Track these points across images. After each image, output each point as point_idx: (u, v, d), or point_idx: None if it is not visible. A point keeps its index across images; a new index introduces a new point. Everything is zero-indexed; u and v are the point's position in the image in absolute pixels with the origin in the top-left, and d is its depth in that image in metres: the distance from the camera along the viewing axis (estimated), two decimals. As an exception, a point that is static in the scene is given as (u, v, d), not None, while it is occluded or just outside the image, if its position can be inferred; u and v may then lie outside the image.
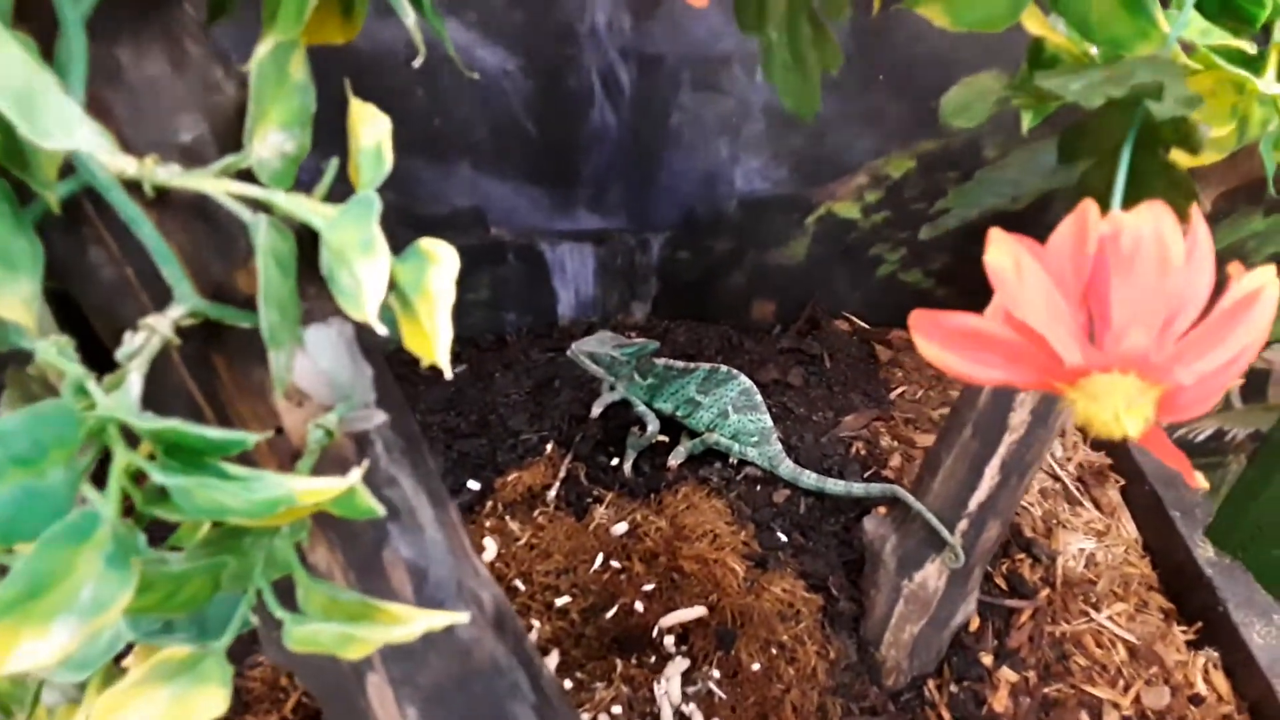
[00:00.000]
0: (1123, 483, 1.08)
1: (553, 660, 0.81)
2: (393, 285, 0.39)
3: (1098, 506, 1.06)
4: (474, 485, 0.95)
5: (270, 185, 0.39)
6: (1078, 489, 1.07)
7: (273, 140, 0.40)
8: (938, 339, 0.40)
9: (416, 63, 0.41)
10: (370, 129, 0.43)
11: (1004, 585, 0.95)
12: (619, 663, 0.81)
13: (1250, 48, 0.50)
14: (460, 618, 0.40)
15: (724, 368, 0.94)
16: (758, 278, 1.10)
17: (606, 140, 0.93)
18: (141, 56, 0.38)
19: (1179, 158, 0.61)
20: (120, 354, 0.35)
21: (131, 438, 0.33)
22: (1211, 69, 0.53)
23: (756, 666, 0.82)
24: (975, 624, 0.91)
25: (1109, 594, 0.96)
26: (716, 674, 0.82)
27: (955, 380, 1.15)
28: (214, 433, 0.32)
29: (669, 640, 0.84)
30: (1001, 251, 0.38)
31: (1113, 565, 0.99)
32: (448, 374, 0.37)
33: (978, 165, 1.01)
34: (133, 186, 0.35)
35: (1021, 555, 0.97)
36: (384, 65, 0.84)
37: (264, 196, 0.37)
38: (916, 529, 0.83)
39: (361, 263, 0.36)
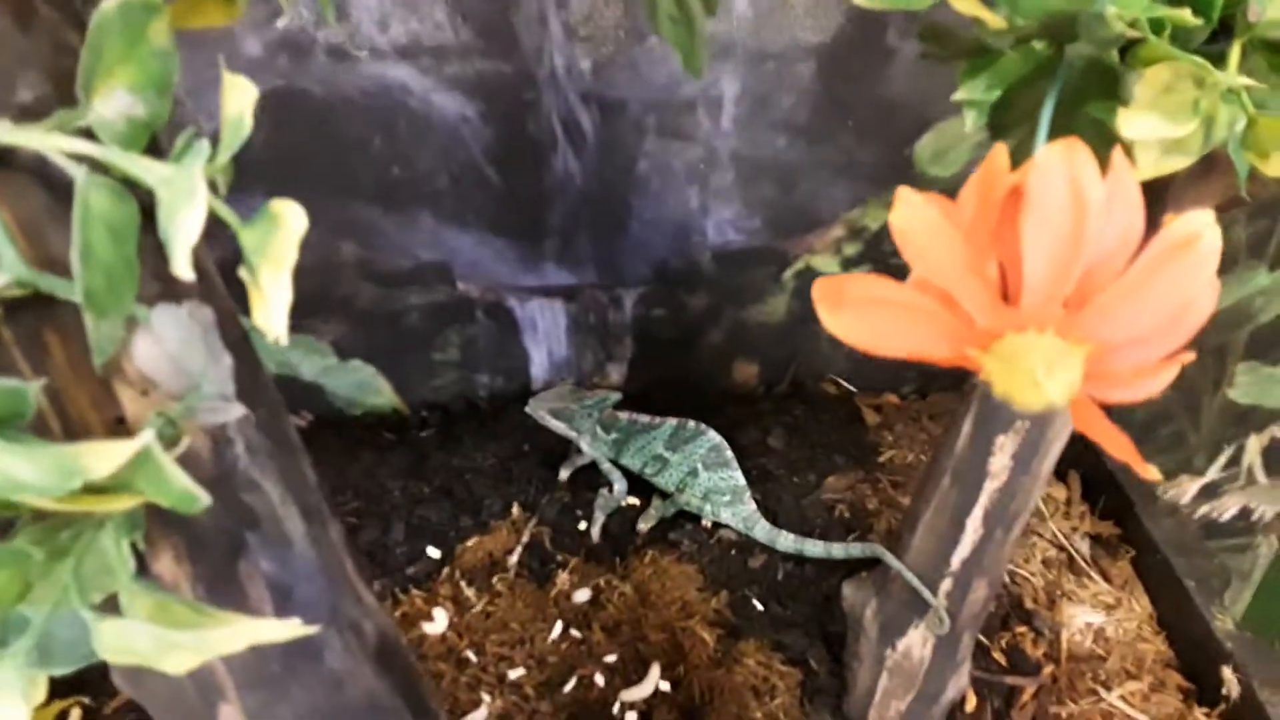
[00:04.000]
0: (1133, 553, 1.01)
1: (501, 738, 0.74)
2: (247, 258, 0.36)
3: (1107, 578, 0.98)
4: (434, 553, 0.89)
5: (114, 147, 0.36)
6: (1084, 560, 0.99)
7: (119, 101, 0.37)
8: (843, 308, 0.36)
9: (281, 22, 0.38)
10: (236, 98, 0.40)
11: (1003, 660, 0.87)
12: (574, 741, 0.74)
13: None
14: (295, 628, 0.35)
15: (692, 423, 0.89)
16: (738, 337, 1.06)
17: (571, 188, 0.90)
18: (-20, 16, 0.35)
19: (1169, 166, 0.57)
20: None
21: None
22: (1166, 59, 0.50)
23: (726, 746, 0.75)
24: (972, 703, 0.83)
25: (1120, 671, 0.88)
26: (682, 754, 0.75)
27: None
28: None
29: (631, 717, 0.76)
30: (908, 209, 0.34)
31: (1124, 641, 0.91)
32: (283, 339, 0.33)
33: (961, 218, 0.98)
34: (-43, 147, 0.32)
35: (1023, 628, 0.90)
36: (340, 112, 0.83)
37: (98, 154, 0.34)
38: (898, 591, 0.76)
39: (183, 214, 0.33)
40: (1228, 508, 1.39)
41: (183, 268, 0.31)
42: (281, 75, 0.80)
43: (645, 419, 0.89)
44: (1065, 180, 0.33)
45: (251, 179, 0.85)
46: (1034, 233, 0.33)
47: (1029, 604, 0.92)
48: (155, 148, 0.38)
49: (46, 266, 0.35)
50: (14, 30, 0.36)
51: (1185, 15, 0.47)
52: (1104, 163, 0.46)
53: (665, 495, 0.92)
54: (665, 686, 0.78)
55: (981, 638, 0.88)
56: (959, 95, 0.56)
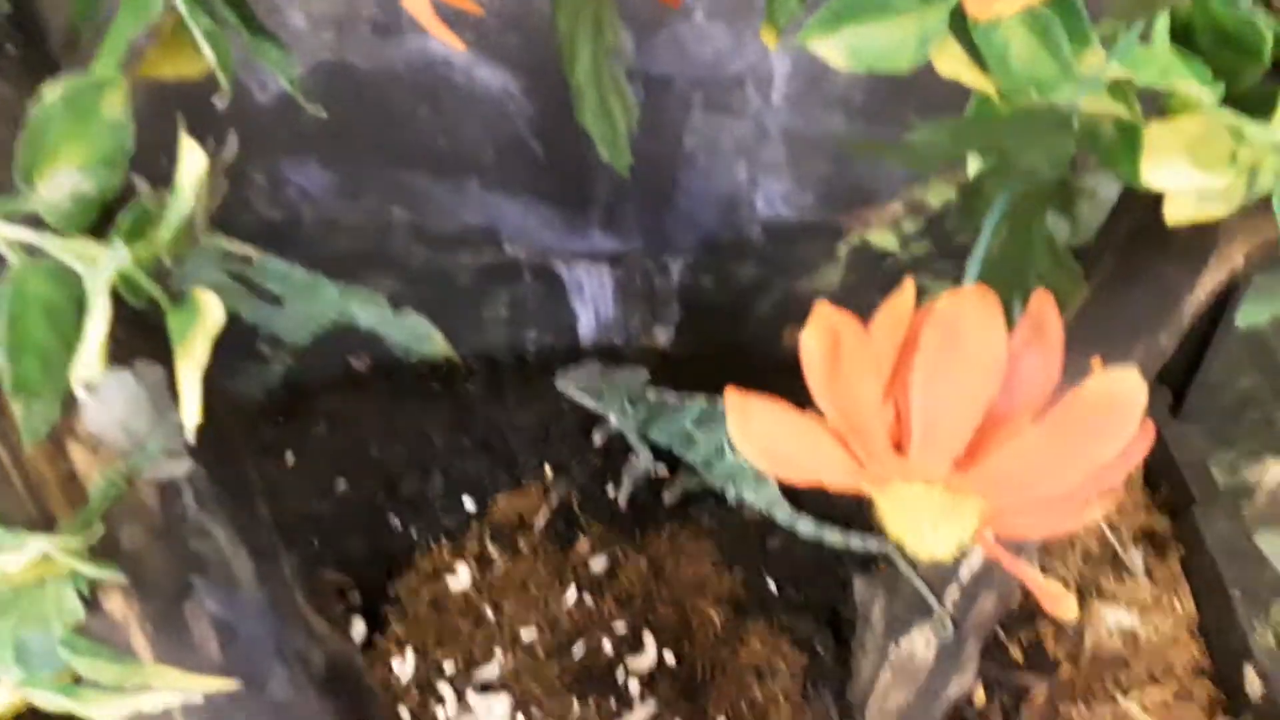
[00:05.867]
0: (1183, 552, 0.97)
1: (509, 698, 0.79)
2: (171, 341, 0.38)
3: (1150, 577, 0.95)
4: (470, 506, 0.94)
5: (60, 227, 0.38)
6: (1127, 556, 0.97)
7: (64, 181, 0.39)
8: (750, 428, 0.36)
9: (220, 103, 0.39)
10: (187, 168, 0.41)
11: (1020, 657, 0.87)
12: (576, 705, 0.78)
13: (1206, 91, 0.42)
14: (220, 683, 0.39)
15: (722, 402, 0.89)
16: (789, 306, 1.05)
17: (614, 162, 0.90)
18: (-68, 98, 0.37)
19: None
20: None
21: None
22: (1196, 111, 0.46)
23: (723, 724, 0.78)
24: (981, 698, 0.84)
25: (1145, 677, 0.86)
26: (680, 728, 0.78)
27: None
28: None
29: (634, 686, 0.80)
30: (818, 332, 0.34)
31: (1155, 645, 0.88)
32: (189, 437, 0.35)
33: (1027, 196, 0.93)
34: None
35: (1046, 624, 0.89)
36: (385, 85, 0.84)
37: (31, 239, 0.36)
38: (906, 591, 0.76)
39: (90, 322, 0.35)
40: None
41: (74, 381, 0.33)
42: (328, 49, 0.82)
43: (674, 397, 0.90)
44: (970, 328, 0.32)
45: (304, 147, 0.88)
46: (925, 386, 0.32)
47: (1057, 601, 0.91)
48: (109, 214, 0.40)
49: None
50: (-34, 115, 0.38)
51: (1194, 88, 0.43)
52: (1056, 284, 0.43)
53: (693, 469, 0.93)
54: (670, 661, 0.81)
55: (1000, 631, 0.87)
56: (916, 147, 0.53)
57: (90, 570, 0.34)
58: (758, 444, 0.36)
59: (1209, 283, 0.73)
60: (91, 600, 0.42)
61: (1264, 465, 1.26)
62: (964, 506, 0.33)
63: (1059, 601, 0.36)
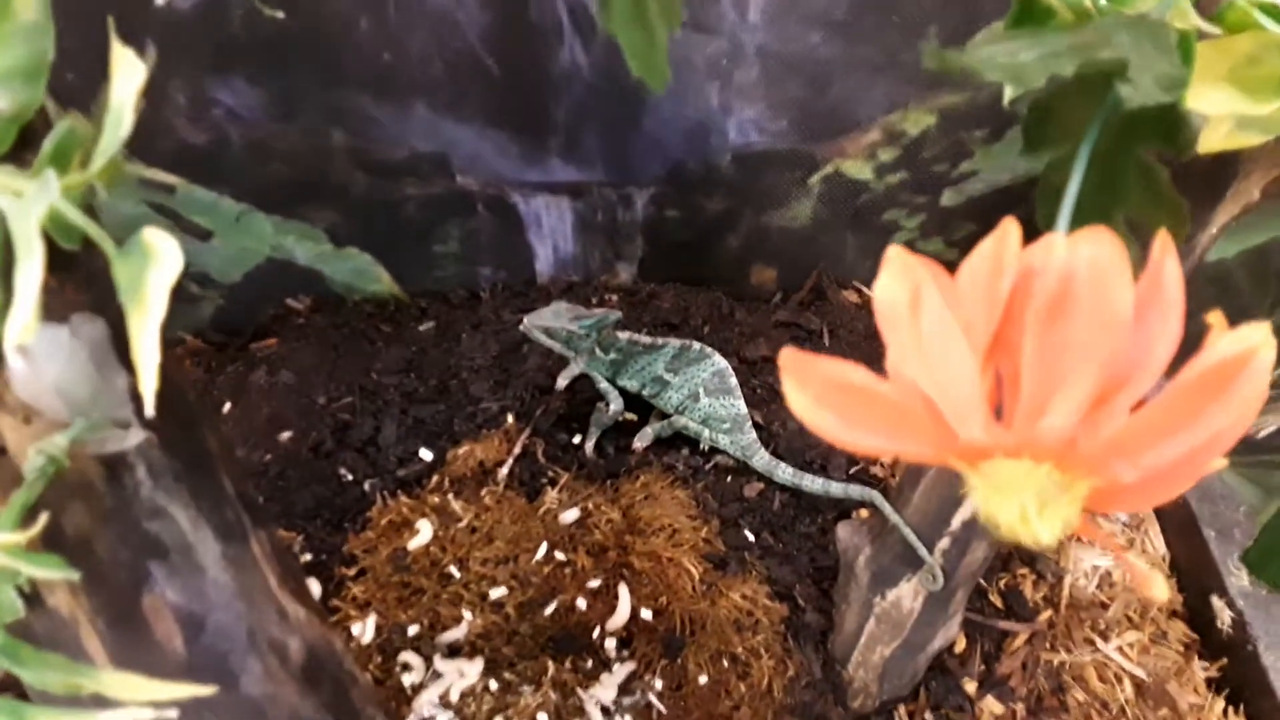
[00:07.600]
0: (1153, 491, 0.96)
1: (479, 661, 0.74)
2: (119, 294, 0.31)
3: (1123, 518, 0.94)
4: (426, 455, 0.88)
5: (-36, 155, 0.31)
6: (1100, 495, 0.95)
7: (-25, 99, 0.32)
8: (812, 390, 0.31)
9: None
10: (123, 83, 0.34)
11: (999, 603, 0.85)
12: (551, 665, 0.74)
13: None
14: (186, 690, 0.33)
15: (696, 345, 0.85)
16: (756, 241, 1.00)
17: (578, 82, 0.83)
18: None
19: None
20: None
21: None
22: (1251, 29, 0.42)
23: (704, 679, 0.74)
24: (962, 645, 0.82)
25: (1122, 620, 0.85)
26: (659, 684, 0.74)
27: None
28: None
29: (610, 644, 0.76)
30: (896, 280, 0.29)
31: (1130, 587, 0.88)
32: (149, 409, 0.29)
33: (1009, 123, 0.89)
34: None
35: (1024, 570, 0.87)
36: (323, -10, 0.75)
37: (-63, 173, 0.29)
38: (894, 542, 0.73)
39: (22, 266, 0.28)
40: (1269, 424, 1.34)
41: (9, 340, 0.26)
42: (256, -53, 0.72)
43: (646, 340, 0.85)
44: (1089, 283, 0.27)
45: (231, 62, 0.79)
46: (1038, 348, 0.27)
47: (1034, 544, 0.89)
48: (28, 136, 0.33)
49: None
50: None
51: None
52: (1154, 223, 0.38)
53: (664, 415, 0.88)
54: (647, 616, 0.77)
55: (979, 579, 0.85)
56: (1002, 59, 0.48)
57: (30, 567, 0.28)
58: (820, 410, 0.31)
59: (1223, 218, 0.70)
60: (33, 596, 0.35)
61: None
62: (1073, 484, 0.29)
63: (1152, 583, 0.32)
